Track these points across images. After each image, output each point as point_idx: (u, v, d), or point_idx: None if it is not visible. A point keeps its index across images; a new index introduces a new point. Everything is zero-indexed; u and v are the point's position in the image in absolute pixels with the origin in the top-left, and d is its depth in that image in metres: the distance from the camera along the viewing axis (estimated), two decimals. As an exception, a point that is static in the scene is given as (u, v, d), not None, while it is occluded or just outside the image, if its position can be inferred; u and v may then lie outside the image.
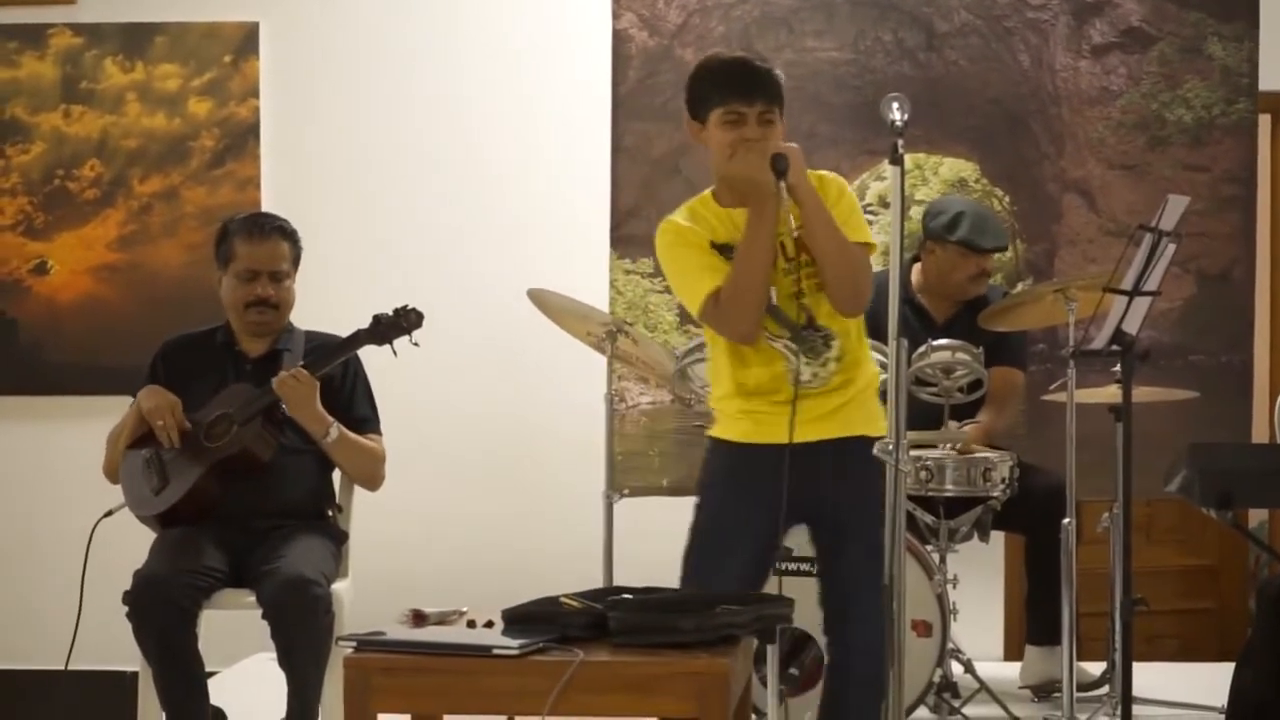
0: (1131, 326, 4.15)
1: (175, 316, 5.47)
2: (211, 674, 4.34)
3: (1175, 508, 6.64)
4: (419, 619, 3.43)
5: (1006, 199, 5.65)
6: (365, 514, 4.72)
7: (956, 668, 4.95)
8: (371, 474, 4.56)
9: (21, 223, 6.12)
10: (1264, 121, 6.10)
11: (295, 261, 4.57)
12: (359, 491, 4.64)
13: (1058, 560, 4.69)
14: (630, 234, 5.62)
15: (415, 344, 4.44)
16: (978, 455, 4.80)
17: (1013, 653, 5.81)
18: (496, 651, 3.11)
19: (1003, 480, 4.78)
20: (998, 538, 5.46)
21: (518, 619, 3.29)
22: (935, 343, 4.80)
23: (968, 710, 4.85)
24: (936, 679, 4.66)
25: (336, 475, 4.60)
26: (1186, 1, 5.60)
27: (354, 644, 3.18)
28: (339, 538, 4.53)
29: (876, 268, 3.77)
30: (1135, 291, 4.13)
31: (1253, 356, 5.74)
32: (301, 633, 4.13)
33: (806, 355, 3.58)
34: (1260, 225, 5.85)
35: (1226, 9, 5.59)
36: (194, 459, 4.38)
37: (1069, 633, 4.66)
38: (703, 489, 3.76)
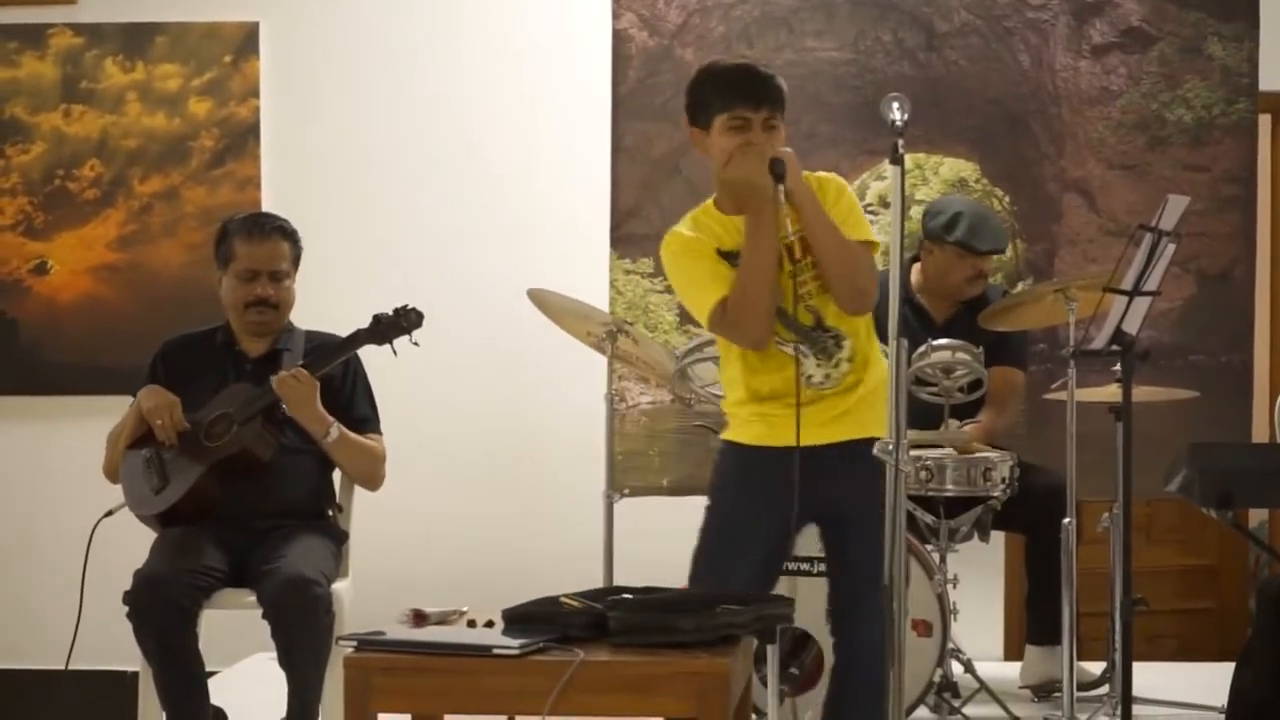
0: (1131, 326, 4.15)
1: (175, 316, 5.47)
2: (212, 674, 4.34)
3: (1175, 508, 6.64)
4: (419, 619, 3.43)
5: (1006, 199, 5.65)
6: (365, 514, 4.72)
7: (956, 667, 4.95)
8: (372, 474, 4.56)
9: (21, 223, 6.12)
10: (1264, 121, 6.10)
11: (295, 261, 4.57)
12: (359, 491, 4.64)
13: (1058, 560, 4.69)
14: (630, 234, 5.62)
15: (415, 344, 4.44)
16: (978, 455, 4.80)
17: (1013, 653, 5.81)
18: (497, 651, 3.11)
19: (1003, 480, 4.78)
20: (998, 538, 5.46)
21: (518, 619, 3.29)
22: (935, 343, 4.80)
23: (968, 710, 4.85)
24: (936, 679, 4.66)
25: (337, 475, 4.60)
26: (1186, 1, 5.60)
27: (354, 644, 3.18)
28: (339, 537, 4.53)
29: (878, 267, 3.77)
30: (1135, 291, 4.13)
31: (1253, 356, 5.74)
32: (302, 632, 4.13)
33: (818, 357, 3.59)
34: (1260, 225, 5.85)
35: (1226, 9, 5.59)
36: (194, 459, 4.38)
37: (1069, 633, 4.66)
38: (714, 490, 3.77)
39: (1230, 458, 3.61)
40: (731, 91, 3.62)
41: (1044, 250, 5.64)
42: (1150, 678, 5.04)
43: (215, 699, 4.31)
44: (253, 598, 4.22)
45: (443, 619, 3.44)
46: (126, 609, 4.14)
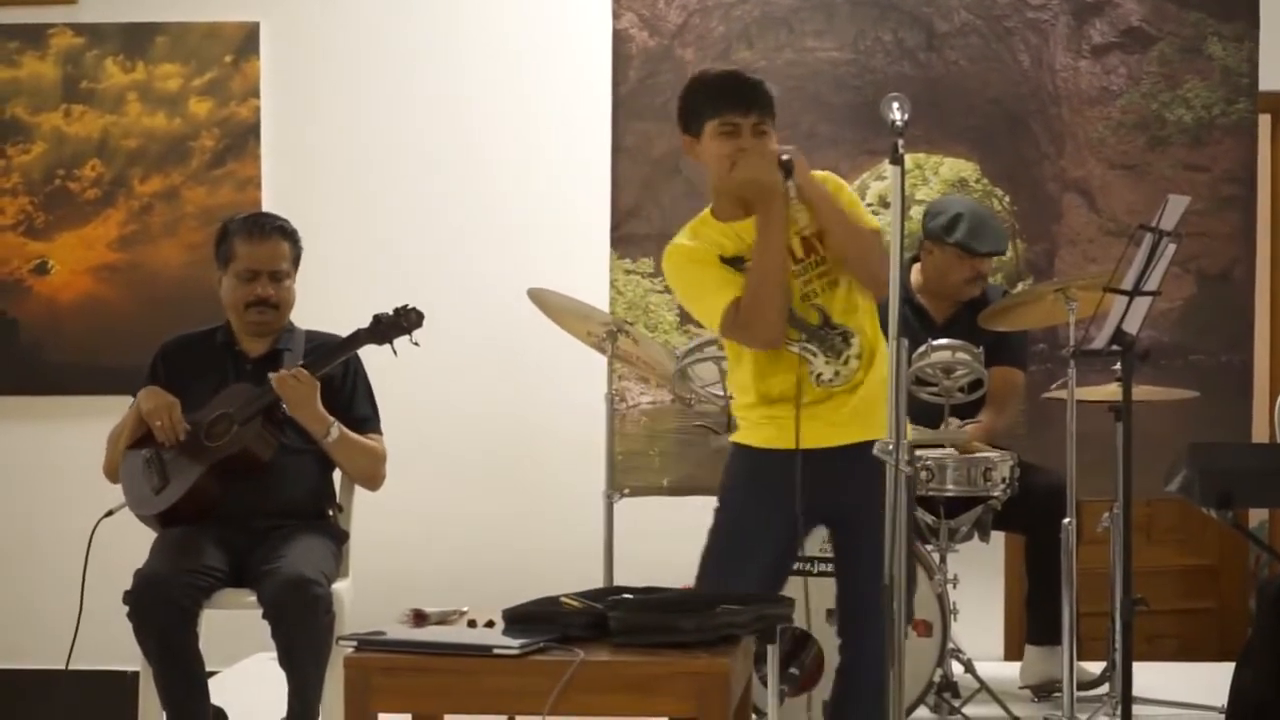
0: (1132, 326, 4.15)
1: (175, 316, 5.47)
2: (212, 674, 4.34)
3: (1175, 508, 6.64)
4: (419, 619, 3.43)
5: (1006, 199, 5.65)
6: (365, 514, 4.72)
7: (957, 667, 4.95)
8: (372, 474, 4.56)
9: (22, 223, 6.12)
10: (1264, 121, 6.10)
11: (295, 261, 4.57)
12: (359, 491, 4.64)
13: (1058, 560, 4.69)
14: (630, 234, 5.62)
15: (415, 344, 4.44)
16: (978, 455, 4.80)
17: (1013, 653, 5.81)
18: (497, 651, 3.11)
19: (1003, 480, 4.78)
20: (998, 538, 5.46)
21: (518, 619, 3.30)
22: (935, 343, 4.80)
23: (968, 710, 4.85)
24: (937, 679, 4.67)
25: (337, 475, 4.61)
26: (1186, 1, 5.60)
27: (354, 644, 3.19)
28: (339, 537, 4.53)
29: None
30: (1135, 291, 4.13)
31: (1253, 356, 5.73)
32: (302, 632, 4.13)
33: (827, 355, 3.61)
34: (1260, 225, 5.85)
35: (1226, 9, 5.59)
36: (194, 459, 4.38)
37: (1069, 633, 4.66)
38: (724, 493, 3.79)
39: (1230, 458, 3.61)
40: (721, 98, 3.67)
41: (1044, 250, 5.64)
42: (1150, 678, 5.03)
43: (215, 699, 4.31)
44: (253, 598, 4.22)
45: (443, 619, 3.45)
46: (127, 609, 4.14)
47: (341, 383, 4.53)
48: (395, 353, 4.42)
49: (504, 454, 6.00)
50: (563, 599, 3.32)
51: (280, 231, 4.53)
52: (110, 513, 4.44)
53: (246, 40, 6.06)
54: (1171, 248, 4.12)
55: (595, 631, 3.22)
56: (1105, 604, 5.08)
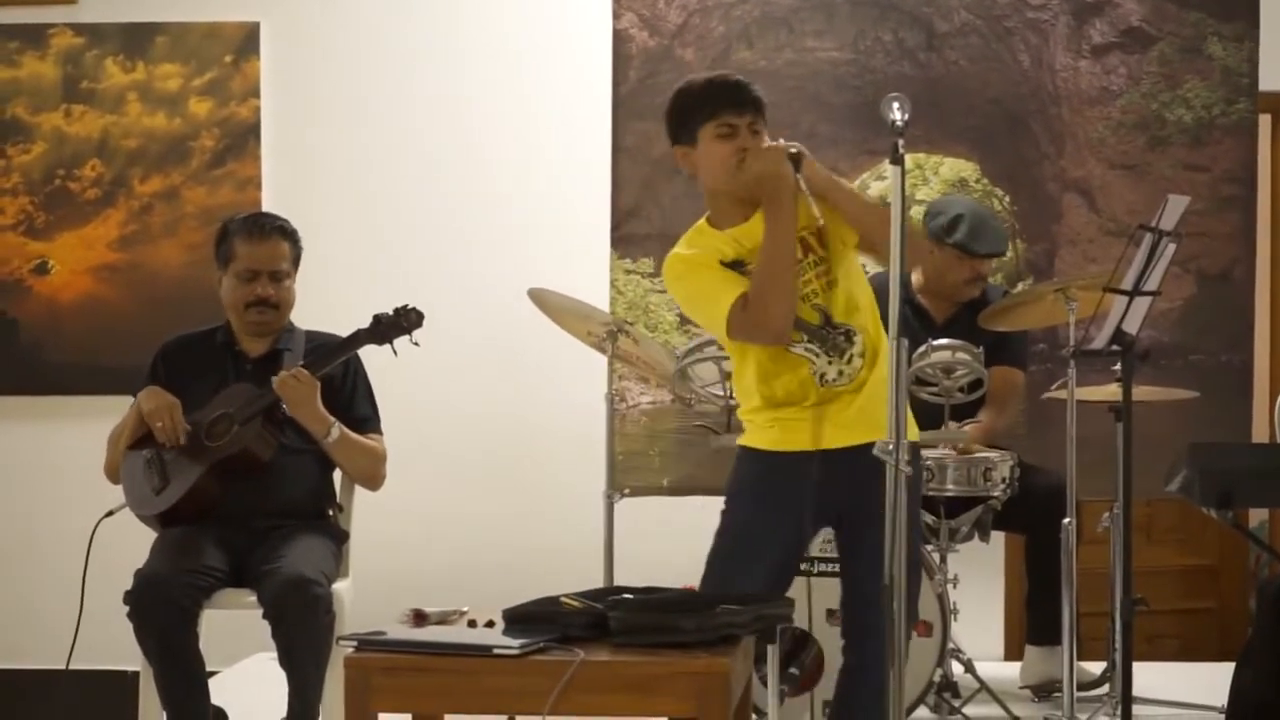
0: (1132, 326, 4.16)
1: (175, 316, 5.47)
2: (212, 674, 4.34)
3: (1175, 508, 6.64)
4: (419, 619, 3.43)
5: (1006, 199, 5.65)
6: (366, 514, 4.72)
7: (957, 667, 4.95)
8: (372, 474, 4.56)
9: (22, 223, 6.12)
10: (1264, 121, 6.10)
11: (295, 261, 4.57)
12: (359, 491, 4.64)
13: (1058, 560, 4.69)
14: (631, 234, 5.62)
15: (415, 344, 4.44)
16: (978, 455, 4.80)
17: (1013, 653, 5.81)
18: (497, 651, 3.11)
19: (1003, 480, 4.78)
20: (998, 538, 5.46)
21: (518, 619, 3.30)
22: (935, 343, 4.80)
23: (968, 710, 4.85)
24: (937, 679, 4.67)
25: (337, 475, 4.61)
26: (1186, 1, 5.60)
27: (354, 644, 3.19)
28: (339, 537, 4.53)
29: (877, 268, 3.79)
30: (1135, 291, 4.13)
31: (1253, 356, 5.74)
32: (302, 632, 4.13)
33: (830, 354, 3.60)
34: (1260, 225, 5.85)
35: (1226, 9, 5.59)
36: (194, 459, 4.38)
37: (1069, 633, 4.66)
38: (731, 495, 3.78)
39: (1230, 458, 3.62)
40: (715, 100, 3.67)
41: (1044, 250, 5.64)
42: (1150, 678, 5.04)
43: (215, 699, 4.31)
44: (253, 598, 4.22)
45: (443, 619, 3.44)
46: (127, 609, 4.14)
47: (342, 383, 4.53)
48: (395, 353, 4.42)
49: (504, 454, 6.00)
50: (563, 599, 3.32)
51: (280, 231, 4.53)
52: (110, 513, 4.45)
53: (246, 40, 6.06)
54: (1171, 248, 4.12)
55: (595, 631, 3.21)
56: (1105, 604, 5.08)
